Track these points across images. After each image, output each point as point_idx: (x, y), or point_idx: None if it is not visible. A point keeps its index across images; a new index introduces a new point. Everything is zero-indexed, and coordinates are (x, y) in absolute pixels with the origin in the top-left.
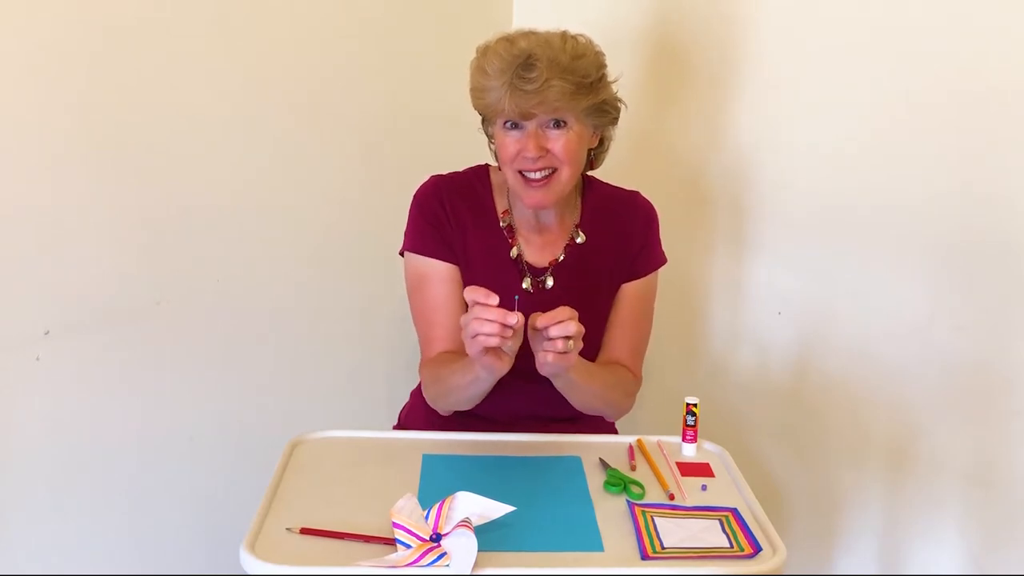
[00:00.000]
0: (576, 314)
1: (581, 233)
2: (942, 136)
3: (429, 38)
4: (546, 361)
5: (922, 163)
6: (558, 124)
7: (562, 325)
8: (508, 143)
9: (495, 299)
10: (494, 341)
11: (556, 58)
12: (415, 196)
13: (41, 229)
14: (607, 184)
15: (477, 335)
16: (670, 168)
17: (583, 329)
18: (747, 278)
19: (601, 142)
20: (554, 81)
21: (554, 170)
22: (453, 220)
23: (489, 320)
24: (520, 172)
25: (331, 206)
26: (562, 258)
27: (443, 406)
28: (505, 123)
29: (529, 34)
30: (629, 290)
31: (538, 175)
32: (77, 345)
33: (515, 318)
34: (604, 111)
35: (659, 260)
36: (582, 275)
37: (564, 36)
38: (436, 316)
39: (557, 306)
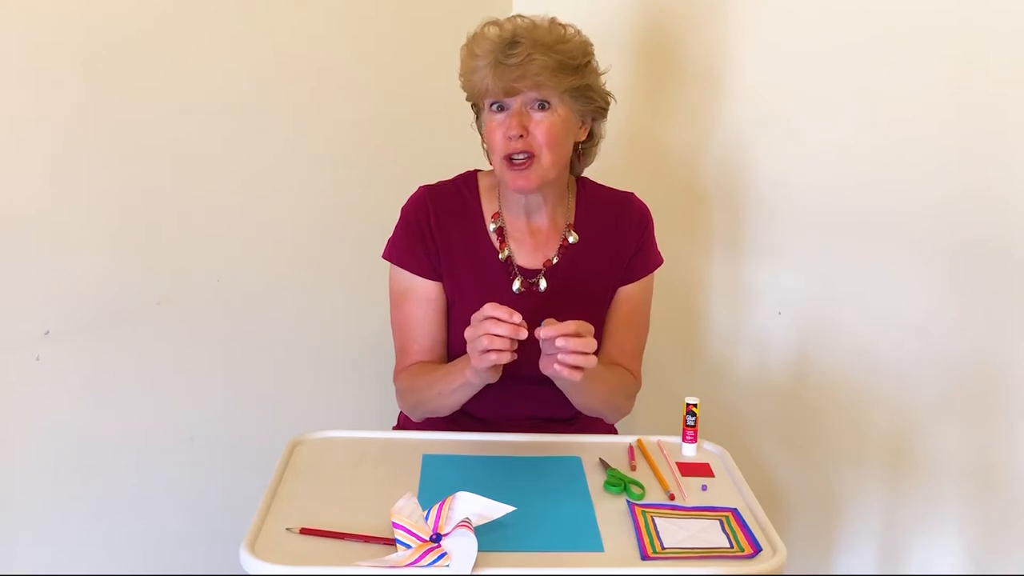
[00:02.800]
0: (591, 329)
1: (574, 233)
2: (942, 136)
3: (429, 38)
4: (557, 373)
5: (922, 163)
6: (542, 106)
7: (581, 344)
8: (494, 126)
9: (518, 317)
10: (506, 358)
11: (540, 38)
12: (403, 209)
13: (41, 229)
14: (602, 186)
15: (489, 351)
16: (666, 168)
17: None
18: (747, 278)
19: (591, 136)
20: (536, 56)
21: (533, 155)
22: (439, 232)
23: (501, 336)
24: (506, 158)
25: (331, 206)
26: (556, 260)
27: (420, 414)
28: (491, 105)
29: (516, 18)
30: (627, 293)
31: (521, 157)
32: (77, 345)
33: (525, 333)
34: (589, 97)
35: (656, 262)
36: (576, 277)
37: (552, 21)
38: (413, 332)
39: (551, 307)
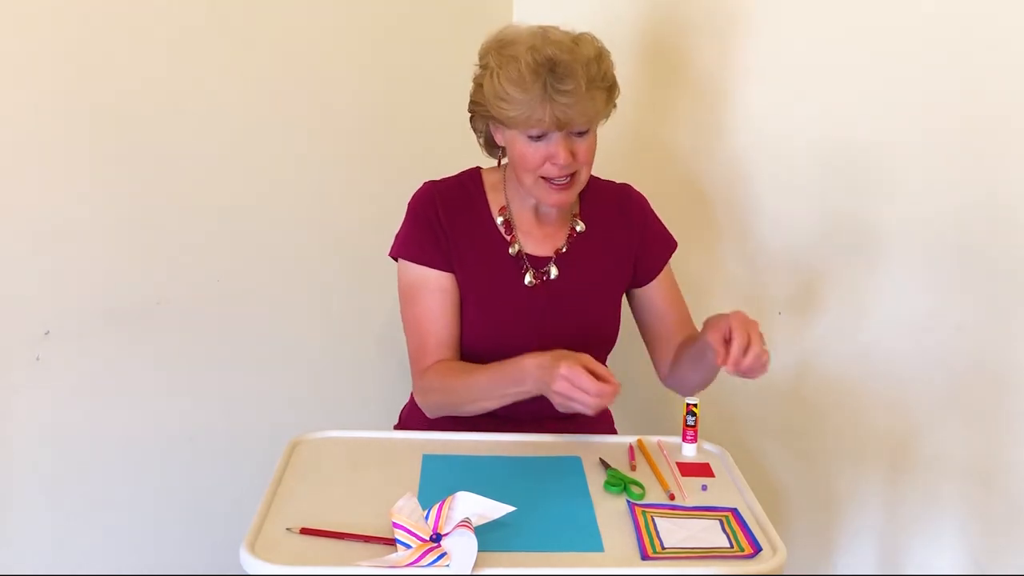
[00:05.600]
0: (746, 321)
1: (580, 222)
2: (942, 136)
3: (432, 39)
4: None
5: (922, 163)
6: (581, 132)
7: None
8: (532, 152)
9: (610, 388)
10: (591, 412)
11: (588, 66)
12: (410, 203)
13: (41, 229)
14: (598, 178)
15: (576, 404)
16: (668, 168)
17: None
18: (747, 278)
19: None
20: (591, 92)
21: (575, 172)
22: (448, 226)
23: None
24: (540, 176)
25: (331, 206)
26: (565, 249)
27: (445, 412)
28: (530, 133)
29: (549, 38)
30: (661, 278)
31: (564, 180)
32: (77, 345)
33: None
34: (613, 106)
35: (671, 245)
36: (585, 264)
37: (582, 38)
38: (431, 327)
39: (564, 296)
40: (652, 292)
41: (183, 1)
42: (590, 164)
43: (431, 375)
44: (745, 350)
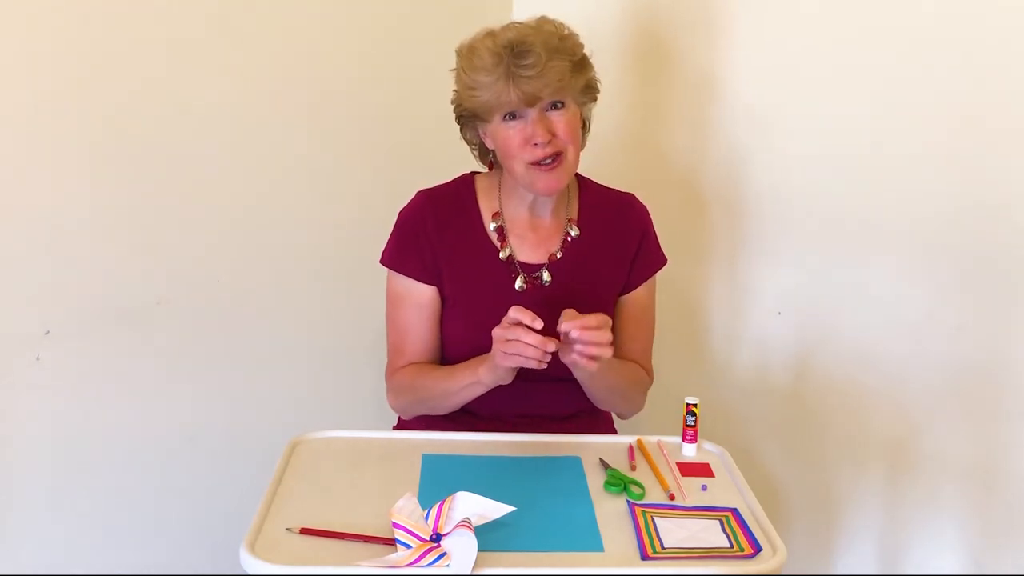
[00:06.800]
0: (608, 322)
1: (575, 227)
2: (941, 136)
3: (430, 43)
4: (575, 363)
5: (921, 163)
6: (556, 105)
7: (595, 333)
8: (512, 134)
9: (539, 323)
10: (533, 364)
11: (547, 40)
12: (400, 214)
13: (41, 229)
14: (602, 186)
15: (517, 355)
16: (666, 169)
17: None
18: (747, 278)
19: (584, 123)
20: (552, 62)
21: (560, 152)
22: (435, 236)
23: (532, 345)
24: (529, 163)
25: (332, 206)
26: (559, 255)
27: (412, 412)
28: (504, 116)
29: (509, 26)
30: (635, 294)
31: (549, 160)
32: (77, 345)
33: (553, 347)
34: (591, 88)
35: (660, 262)
36: (579, 271)
37: (543, 20)
38: (407, 336)
39: (556, 302)
40: (621, 304)
41: (183, 1)
42: (575, 144)
43: (400, 375)
44: (588, 344)
